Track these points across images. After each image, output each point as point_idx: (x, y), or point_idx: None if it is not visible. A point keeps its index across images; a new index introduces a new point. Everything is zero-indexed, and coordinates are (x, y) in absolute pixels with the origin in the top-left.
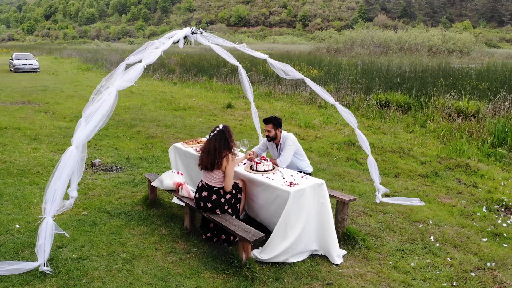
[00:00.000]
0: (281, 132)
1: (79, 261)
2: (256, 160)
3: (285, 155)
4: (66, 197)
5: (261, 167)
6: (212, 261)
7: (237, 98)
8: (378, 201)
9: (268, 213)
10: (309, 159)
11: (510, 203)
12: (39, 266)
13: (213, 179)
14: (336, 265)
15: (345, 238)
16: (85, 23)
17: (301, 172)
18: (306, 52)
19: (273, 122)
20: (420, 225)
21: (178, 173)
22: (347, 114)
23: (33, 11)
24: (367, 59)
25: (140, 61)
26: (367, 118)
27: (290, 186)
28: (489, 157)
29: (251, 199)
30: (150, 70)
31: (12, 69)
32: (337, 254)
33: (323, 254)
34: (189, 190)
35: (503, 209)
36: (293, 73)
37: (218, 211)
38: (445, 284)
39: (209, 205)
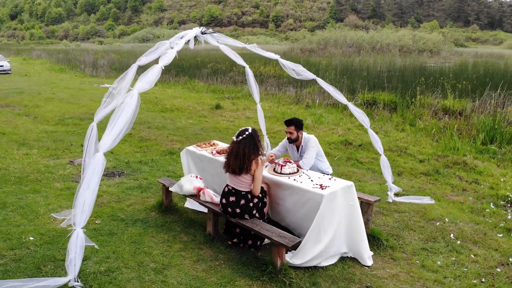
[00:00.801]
0: (302, 133)
1: (108, 274)
2: (280, 162)
3: (308, 157)
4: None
5: (286, 169)
6: (243, 268)
7: (223, 98)
8: (390, 201)
9: (296, 217)
10: None
11: None
12: (69, 281)
13: (241, 183)
14: (368, 266)
15: (370, 239)
16: (52, 23)
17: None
18: (281, 52)
19: (296, 124)
20: (437, 223)
21: (196, 177)
22: (359, 114)
23: None
24: (342, 59)
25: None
26: (356, 117)
27: (321, 188)
28: (482, 154)
29: (276, 202)
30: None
31: None
32: (368, 256)
33: (352, 256)
34: (211, 195)
35: (509, 205)
36: (305, 73)
37: (247, 216)
38: (475, 281)
39: (238, 210)
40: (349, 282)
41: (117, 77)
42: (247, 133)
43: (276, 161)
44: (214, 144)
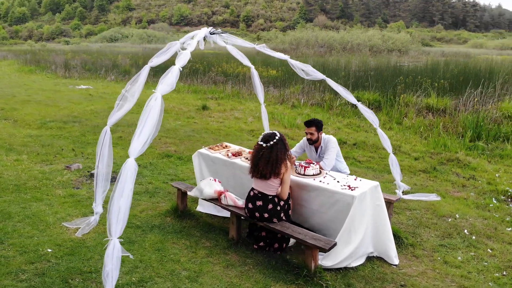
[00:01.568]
0: (321, 134)
1: (142, 285)
2: (302, 163)
3: (329, 157)
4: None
5: (310, 171)
6: (275, 272)
7: (207, 99)
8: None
9: (323, 218)
10: None
11: None
12: None
13: (269, 187)
14: (395, 265)
15: None
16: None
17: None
18: (253, 52)
19: (316, 125)
20: (449, 220)
21: (215, 180)
22: (369, 114)
23: None
24: (316, 59)
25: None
26: (343, 116)
27: (350, 189)
28: (471, 150)
29: (299, 204)
30: (102, 71)
31: None
32: (395, 255)
33: (377, 256)
34: (234, 198)
35: (509, 200)
36: (314, 73)
37: (275, 220)
38: (497, 274)
39: (266, 215)
40: (382, 281)
41: (91, 78)
42: (277, 137)
43: (296, 162)
44: (226, 146)
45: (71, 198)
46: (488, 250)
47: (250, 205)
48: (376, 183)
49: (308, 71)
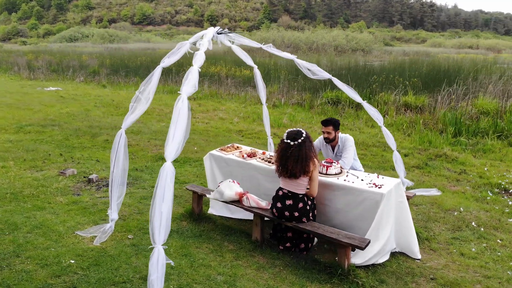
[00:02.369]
0: (338, 133)
1: None
2: (323, 163)
3: (348, 156)
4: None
5: (332, 170)
6: (307, 273)
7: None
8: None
9: (348, 217)
10: None
11: (508, 186)
12: None
13: (299, 186)
14: (419, 259)
15: None
16: None
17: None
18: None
19: (334, 124)
20: (455, 213)
21: (233, 182)
22: (373, 112)
23: None
24: (285, 59)
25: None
26: (325, 115)
27: (377, 187)
28: (455, 146)
29: (322, 204)
30: (69, 72)
31: None
32: (417, 250)
33: (399, 251)
34: (256, 199)
35: (503, 192)
36: (320, 73)
37: (304, 219)
38: (511, 263)
39: (296, 214)
40: (412, 276)
41: (58, 79)
42: (304, 135)
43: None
44: (238, 147)
45: (74, 206)
46: (498, 241)
47: (279, 205)
48: (398, 180)
49: (314, 70)
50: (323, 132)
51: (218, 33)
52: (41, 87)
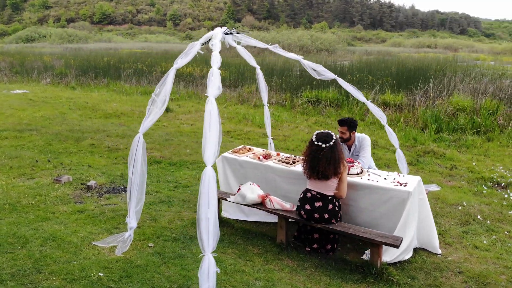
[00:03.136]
0: (354, 133)
1: None
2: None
3: (366, 156)
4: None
5: (354, 170)
6: (340, 273)
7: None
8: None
9: (372, 216)
10: None
11: (500, 180)
12: None
13: (329, 187)
14: (440, 254)
15: None
16: None
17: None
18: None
19: (349, 124)
20: (460, 208)
21: (254, 184)
22: (378, 111)
23: None
24: (258, 60)
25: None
26: (307, 114)
27: (402, 185)
28: (439, 142)
29: (346, 204)
30: (34, 74)
31: None
32: (438, 245)
33: (419, 247)
34: (280, 201)
35: (496, 185)
36: (326, 73)
37: (334, 221)
38: None
39: (326, 215)
40: (440, 271)
41: (23, 81)
42: (334, 137)
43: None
44: (250, 149)
45: (81, 215)
46: (505, 232)
47: (307, 207)
48: (418, 177)
49: (320, 71)
50: (339, 131)
51: (225, 34)
52: (7, 90)
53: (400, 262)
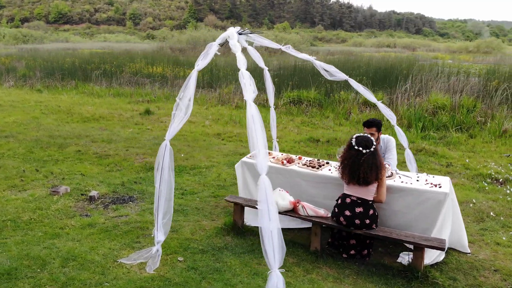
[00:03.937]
0: (380, 134)
1: None
2: None
3: (393, 157)
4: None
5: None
6: (383, 279)
7: (140, 102)
8: None
9: (406, 218)
10: None
11: (497, 176)
12: None
13: (369, 192)
14: (470, 253)
15: None
16: None
17: None
18: (149, 51)
19: (377, 125)
20: (471, 205)
21: (282, 190)
22: (388, 112)
23: None
24: (229, 60)
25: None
26: (292, 115)
27: (436, 187)
28: (427, 140)
29: (378, 207)
30: None
31: None
32: (467, 244)
33: (449, 247)
34: (313, 207)
35: (495, 182)
36: (338, 74)
37: (374, 226)
38: None
39: (367, 221)
40: (477, 270)
41: None
42: (374, 143)
43: None
44: (269, 153)
45: (92, 229)
46: None
47: (347, 213)
48: (448, 178)
49: (332, 71)
50: (366, 133)
51: (238, 34)
52: None
53: (436, 263)
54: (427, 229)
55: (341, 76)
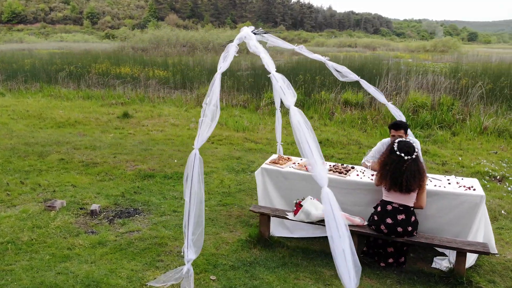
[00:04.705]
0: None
1: None
2: None
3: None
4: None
5: None
6: (426, 286)
7: (113, 105)
8: None
9: (439, 222)
10: None
11: (494, 173)
12: None
13: (411, 198)
14: (498, 254)
15: None
16: None
17: None
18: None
19: (405, 127)
20: None
21: (313, 199)
22: (397, 113)
23: None
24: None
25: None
26: (274, 115)
27: (470, 189)
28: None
29: None
30: None
31: None
32: (494, 244)
33: None
34: (348, 216)
35: (493, 179)
36: (350, 74)
37: (415, 233)
38: None
39: (410, 228)
40: (511, 270)
41: None
42: (416, 148)
43: None
44: (289, 158)
45: (105, 248)
46: None
47: (389, 221)
48: (476, 180)
49: (344, 72)
50: (393, 136)
51: (254, 33)
52: None
53: (471, 267)
54: (460, 232)
55: (352, 77)
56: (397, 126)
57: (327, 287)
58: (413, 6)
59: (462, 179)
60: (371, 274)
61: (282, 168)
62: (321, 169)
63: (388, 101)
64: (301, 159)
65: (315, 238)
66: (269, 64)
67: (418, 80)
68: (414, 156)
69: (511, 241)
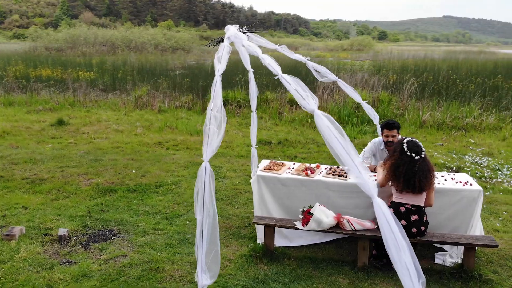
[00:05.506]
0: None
1: None
2: None
3: None
4: None
5: None
6: (439, 284)
7: (41, 111)
8: None
9: (438, 219)
10: None
11: (450, 165)
12: None
13: (423, 198)
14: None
15: None
16: None
17: None
18: (21, 52)
19: (398, 127)
20: (485, 206)
21: (321, 205)
22: (371, 111)
23: None
24: (113, 58)
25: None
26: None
27: (467, 185)
28: (363, 134)
29: None
30: None
31: None
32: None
33: None
34: (359, 221)
35: (450, 170)
36: (328, 75)
37: (426, 232)
38: None
39: (423, 228)
40: (507, 259)
41: None
42: (422, 147)
43: None
44: (282, 164)
45: (92, 280)
46: None
47: (403, 222)
48: (465, 174)
49: (323, 73)
50: (387, 136)
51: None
52: None
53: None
54: (458, 227)
55: (331, 77)
56: (390, 125)
57: None
58: (328, 7)
59: (454, 174)
60: (385, 278)
61: (280, 174)
62: (369, 180)
63: (331, 99)
64: (293, 164)
65: (315, 245)
66: (273, 65)
67: (351, 78)
68: (423, 155)
69: (490, 230)
